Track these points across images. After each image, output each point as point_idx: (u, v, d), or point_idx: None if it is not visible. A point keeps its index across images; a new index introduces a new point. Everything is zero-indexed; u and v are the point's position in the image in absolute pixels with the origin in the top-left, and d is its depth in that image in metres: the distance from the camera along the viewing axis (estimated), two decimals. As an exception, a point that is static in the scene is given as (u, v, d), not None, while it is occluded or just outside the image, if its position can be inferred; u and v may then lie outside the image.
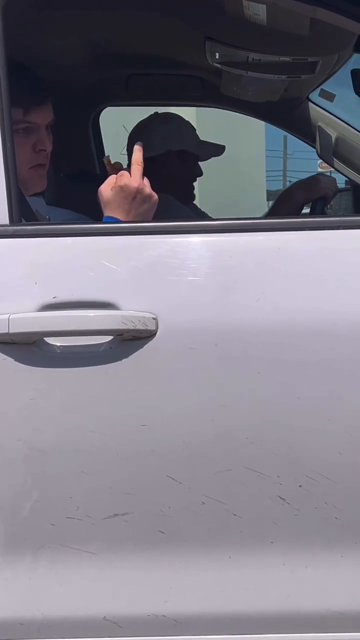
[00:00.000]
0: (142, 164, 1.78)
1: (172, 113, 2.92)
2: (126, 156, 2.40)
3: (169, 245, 1.63)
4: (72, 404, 1.60)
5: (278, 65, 2.26)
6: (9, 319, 1.58)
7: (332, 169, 3.11)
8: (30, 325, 1.59)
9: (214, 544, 1.64)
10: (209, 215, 2.94)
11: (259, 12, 1.98)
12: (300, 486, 1.61)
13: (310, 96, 2.95)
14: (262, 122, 3.47)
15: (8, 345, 1.60)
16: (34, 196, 2.01)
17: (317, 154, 2.90)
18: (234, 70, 2.36)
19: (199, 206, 3.08)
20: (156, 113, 2.94)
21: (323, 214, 2.64)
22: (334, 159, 2.95)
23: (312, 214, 2.65)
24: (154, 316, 1.59)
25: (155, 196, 1.79)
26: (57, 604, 1.66)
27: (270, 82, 2.42)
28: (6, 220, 1.66)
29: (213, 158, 2.89)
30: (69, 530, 1.63)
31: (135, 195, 1.76)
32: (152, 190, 1.78)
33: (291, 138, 3.67)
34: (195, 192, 2.93)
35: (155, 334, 1.59)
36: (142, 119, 2.88)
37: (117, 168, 1.86)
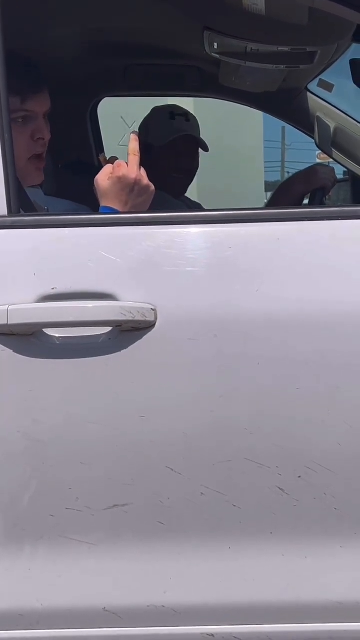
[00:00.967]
0: (139, 154, 1.78)
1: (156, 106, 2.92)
2: (123, 148, 2.40)
3: (168, 236, 1.63)
4: (71, 395, 1.60)
5: (276, 56, 2.25)
6: (7, 310, 1.58)
7: (331, 160, 3.10)
8: (29, 316, 1.59)
9: (214, 534, 1.64)
10: (203, 206, 2.94)
11: (257, 2, 1.97)
12: (299, 477, 1.61)
13: (308, 86, 2.93)
14: (261, 113, 3.46)
15: (7, 336, 1.59)
16: (32, 187, 2.01)
17: (316, 145, 2.89)
18: (232, 61, 2.35)
19: (194, 199, 3.08)
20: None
21: (322, 204, 2.63)
22: (333, 150, 2.94)
23: (311, 204, 2.65)
24: (152, 307, 1.59)
25: (153, 187, 1.79)
26: (56, 595, 1.66)
27: (268, 72, 2.41)
28: (5, 211, 1.66)
29: (212, 149, 2.89)
30: (69, 521, 1.63)
31: (133, 187, 1.76)
32: (149, 182, 1.78)
33: (289, 129, 3.66)
34: (193, 183, 2.93)
35: (154, 325, 1.59)
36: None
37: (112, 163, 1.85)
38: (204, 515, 1.63)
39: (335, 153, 2.95)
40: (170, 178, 2.72)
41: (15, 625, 1.67)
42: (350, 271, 1.61)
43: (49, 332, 1.61)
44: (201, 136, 2.91)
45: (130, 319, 1.57)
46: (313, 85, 2.93)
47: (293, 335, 1.59)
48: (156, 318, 1.59)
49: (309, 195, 2.67)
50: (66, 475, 1.62)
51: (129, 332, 1.59)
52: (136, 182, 1.76)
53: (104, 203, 1.78)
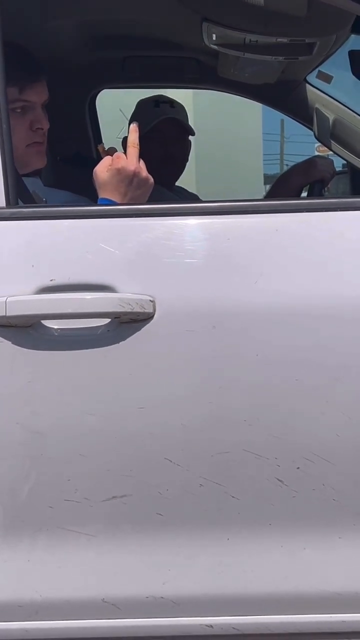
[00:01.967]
0: (138, 146, 1.78)
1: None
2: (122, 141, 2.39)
3: (167, 228, 1.62)
4: (69, 387, 1.60)
5: (275, 47, 2.25)
6: (6, 301, 1.57)
7: (330, 152, 3.09)
8: (28, 308, 1.59)
9: (212, 525, 1.64)
10: (200, 198, 2.93)
11: (256, -7, 1.96)
12: (298, 468, 1.61)
13: (307, 78, 2.93)
14: (259, 105, 3.45)
15: (5, 328, 1.59)
16: (31, 178, 2.01)
17: (315, 137, 2.89)
18: (231, 52, 2.34)
19: (192, 191, 3.08)
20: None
21: (321, 196, 2.63)
22: (332, 142, 2.93)
23: (309, 196, 2.64)
24: (151, 299, 1.59)
25: (151, 179, 1.78)
26: (55, 586, 1.66)
27: (267, 63, 2.40)
28: (3, 203, 1.66)
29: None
30: (68, 512, 1.63)
31: (132, 179, 1.76)
32: (148, 174, 1.78)
33: (288, 121, 3.65)
34: (192, 175, 2.92)
35: (152, 316, 1.59)
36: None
37: (111, 154, 1.85)
38: (202, 507, 1.63)
39: (334, 145, 2.95)
40: (159, 166, 2.70)
41: (14, 616, 1.68)
42: (350, 263, 1.61)
43: (48, 323, 1.61)
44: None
45: (129, 310, 1.57)
46: (312, 77, 2.93)
47: (292, 327, 1.59)
48: (155, 309, 1.59)
49: (307, 187, 2.67)
50: (65, 467, 1.62)
51: (127, 323, 1.59)
52: (135, 174, 1.75)
53: (102, 194, 1.77)
